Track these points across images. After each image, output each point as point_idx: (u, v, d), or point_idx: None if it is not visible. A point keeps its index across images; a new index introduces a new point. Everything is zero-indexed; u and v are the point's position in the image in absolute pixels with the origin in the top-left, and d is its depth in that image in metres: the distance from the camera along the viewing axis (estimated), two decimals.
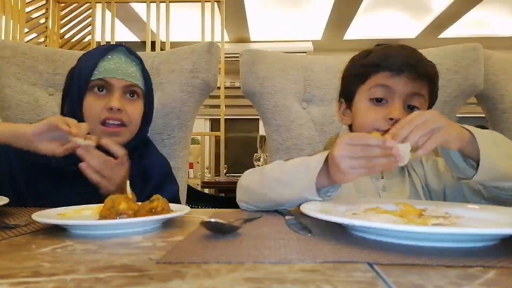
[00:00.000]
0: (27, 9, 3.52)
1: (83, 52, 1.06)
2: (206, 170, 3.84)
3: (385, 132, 0.70)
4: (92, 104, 0.93)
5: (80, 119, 0.91)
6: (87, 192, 0.81)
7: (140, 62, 1.01)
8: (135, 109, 0.97)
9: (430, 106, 0.89)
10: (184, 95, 1.22)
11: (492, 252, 0.43)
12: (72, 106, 0.95)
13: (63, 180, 0.89)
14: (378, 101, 0.85)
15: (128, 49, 1.00)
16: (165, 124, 1.22)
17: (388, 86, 0.84)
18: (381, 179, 0.91)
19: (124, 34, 5.51)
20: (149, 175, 1.00)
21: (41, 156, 0.80)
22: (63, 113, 0.99)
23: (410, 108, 0.84)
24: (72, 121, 0.80)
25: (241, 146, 6.54)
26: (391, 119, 0.82)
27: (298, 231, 0.54)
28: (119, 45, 0.99)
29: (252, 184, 0.77)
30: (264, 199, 0.75)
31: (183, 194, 1.25)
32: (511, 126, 1.26)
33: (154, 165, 1.03)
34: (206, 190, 3.18)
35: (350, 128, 0.96)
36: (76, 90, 0.94)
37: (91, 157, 0.79)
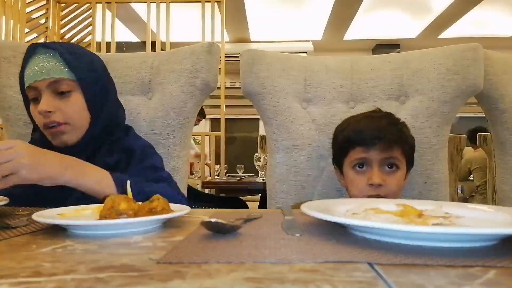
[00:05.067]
0: (27, 10, 3.53)
1: None
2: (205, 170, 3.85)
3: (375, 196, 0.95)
4: (33, 113, 0.95)
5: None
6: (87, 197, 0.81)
7: (60, 53, 0.92)
8: (69, 106, 0.93)
9: (409, 158, 1.04)
10: (184, 95, 1.22)
11: (492, 252, 0.43)
12: (30, 117, 0.99)
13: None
14: (360, 167, 1.01)
15: (45, 45, 0.94)
16: (165, 124, 1.22)
17: (364, 157, 0.99)
18: None
19: (124, 34, 5.51)
20: (132, 149, 1.00)
21: None
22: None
23: (390, 167, 1.00)
24: None
25: (241, 146, 6.55)
26: (371, 184, 0.97)
27: (286, 231, 0.53)
28: (35, 46, 0.94)
29: None
30: None
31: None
32: (511, 126, 1.26)
33: (135, 143, 1.03)
34: (206, 190, 3.18)
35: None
36: (25, 103, 0.98)
37: None
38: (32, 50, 0.94)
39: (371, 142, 0.98)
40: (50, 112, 0.90)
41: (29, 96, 0.94)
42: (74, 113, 0.93)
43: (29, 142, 0.98)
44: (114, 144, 1.00)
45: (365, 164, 1.00)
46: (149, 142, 1.10)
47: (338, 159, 1.08)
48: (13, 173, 0.71)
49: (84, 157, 0.87)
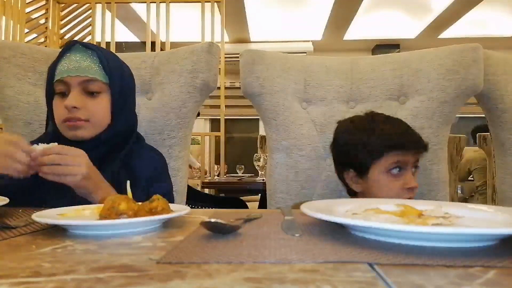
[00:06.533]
0: (27, 10, 3.52)
1: None
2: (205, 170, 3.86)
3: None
4: (56, 106, 0.96)
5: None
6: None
7: (98, 55, 0.96)
8: (95, 105, 0.95)
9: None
10: (184, 95, 1.22)
11: (492, 252, 0.43)
12: (48, 111, 1.00)
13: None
14: (397, 170, 1.01)
15: (84, 44, 0.97)
16: (165, 124, 1.22)
17: (401, 160, 1.00)
18: None
19: (124, 35, 5.51)
20: (137, 178, 0.96)
21: None
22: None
23: (415, 167, 1.03)
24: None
25: (241, 146, 6.55)
26: (408, 188, 0.99)
27: (286, 231, 0.53)
28: (74, 43, 0.97)
29: None
30: None
31: (183, 194, 1.25)
32: (511, 126, 1.26)
33: (142, 167, 1.00)
34: (206, 190, 3.18)
35: (358, 193, 1.06)
36: (47, 96, 0.99)
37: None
38: (70, 46, 0.96)
39: (409, 146, 1.01)
40: (76, 108, 0.92)
41: (57, 90, 0.95)
42: (98, 113, 0.96)
43: (40, 137, 1.01)
44: (122, 151, 0.99)
45: (401, 168, 1.01)
46: (161, 157, 1.09)
47: (362, 163, 1.04)
48: (71, 175, 0.79)
49: (94, 156, 0.87)
